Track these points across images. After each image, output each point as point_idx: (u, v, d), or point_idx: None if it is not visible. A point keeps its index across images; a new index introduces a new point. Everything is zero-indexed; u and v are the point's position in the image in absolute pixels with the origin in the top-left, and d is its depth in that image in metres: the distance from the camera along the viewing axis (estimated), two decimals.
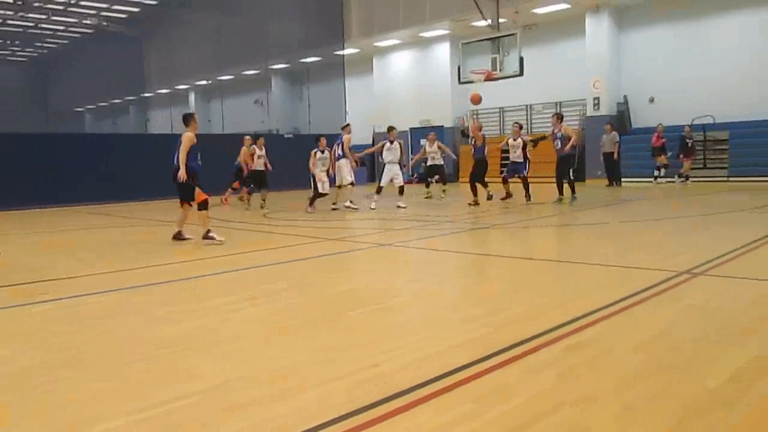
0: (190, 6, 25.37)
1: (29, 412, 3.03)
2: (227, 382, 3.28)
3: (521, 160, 14.12)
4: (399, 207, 13.41)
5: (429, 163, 16.15)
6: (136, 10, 27.25)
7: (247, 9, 24.29)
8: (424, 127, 24.13)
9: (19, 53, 32.27)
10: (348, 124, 14.50)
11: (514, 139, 14.13)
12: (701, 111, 18.57)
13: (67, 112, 30.64)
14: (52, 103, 28.53)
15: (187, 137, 8.36)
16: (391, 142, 14.14)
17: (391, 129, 14.50)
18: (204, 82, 32.31)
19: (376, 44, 26.18)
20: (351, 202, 13.64)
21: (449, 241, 8.91)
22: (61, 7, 25.40)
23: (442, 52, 24.95)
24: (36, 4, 23.65)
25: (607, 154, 18.83)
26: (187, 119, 8.65)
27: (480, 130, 14.91)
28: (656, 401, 2.84)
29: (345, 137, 13.75)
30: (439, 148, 15.86)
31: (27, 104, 26.90)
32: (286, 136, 24.10)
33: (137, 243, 9.66)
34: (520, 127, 14.74)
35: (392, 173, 14.05)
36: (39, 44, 30.93)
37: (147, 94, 30.24)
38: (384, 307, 5.05)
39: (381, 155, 14.54)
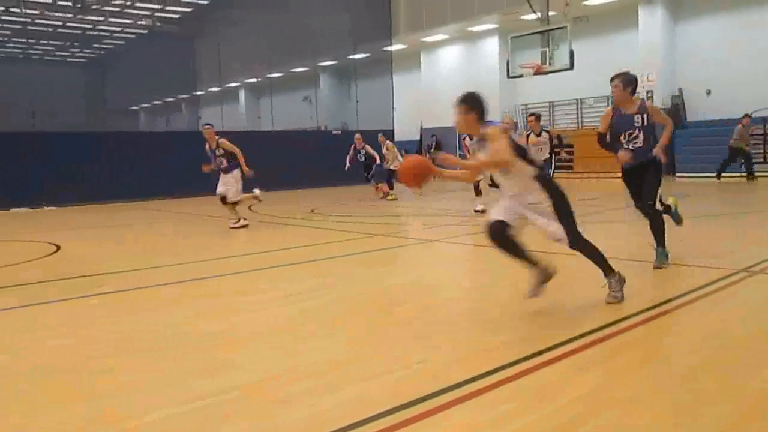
0: (239, 5, 25.80)
1: (82, 398, 3.15)
2: (274, 376, 3.34)
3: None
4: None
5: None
6: (188, 10, 27.87)
7: (295, 6, 24.56)
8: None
9: (78, 54, 33.40)
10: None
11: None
12: (762, 103, 17.85)
13: (123, 110, 31.61)
14: (109, 103, 29.50)
15: None
16: (538, 135, 11.50)
17: (537, 118, 11.76)
18: (254, 80, 32.79)
19: (423, 39, 26.09)
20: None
21: None
22: (117, 9, 26.19)
23: (491, 46, 24.67)
24: (94, 7, 24.42)
25: None
26: None
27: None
28: (709, 403, 2.76)
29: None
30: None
31: (87, 104, 27.86)
32: (334, 132, 24.28)
33: (190, 237, 9.91)
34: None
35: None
36: (97, 45, 31.94)
37: (198, 92, 30.90)
38: (432, 302, 5.04)
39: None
